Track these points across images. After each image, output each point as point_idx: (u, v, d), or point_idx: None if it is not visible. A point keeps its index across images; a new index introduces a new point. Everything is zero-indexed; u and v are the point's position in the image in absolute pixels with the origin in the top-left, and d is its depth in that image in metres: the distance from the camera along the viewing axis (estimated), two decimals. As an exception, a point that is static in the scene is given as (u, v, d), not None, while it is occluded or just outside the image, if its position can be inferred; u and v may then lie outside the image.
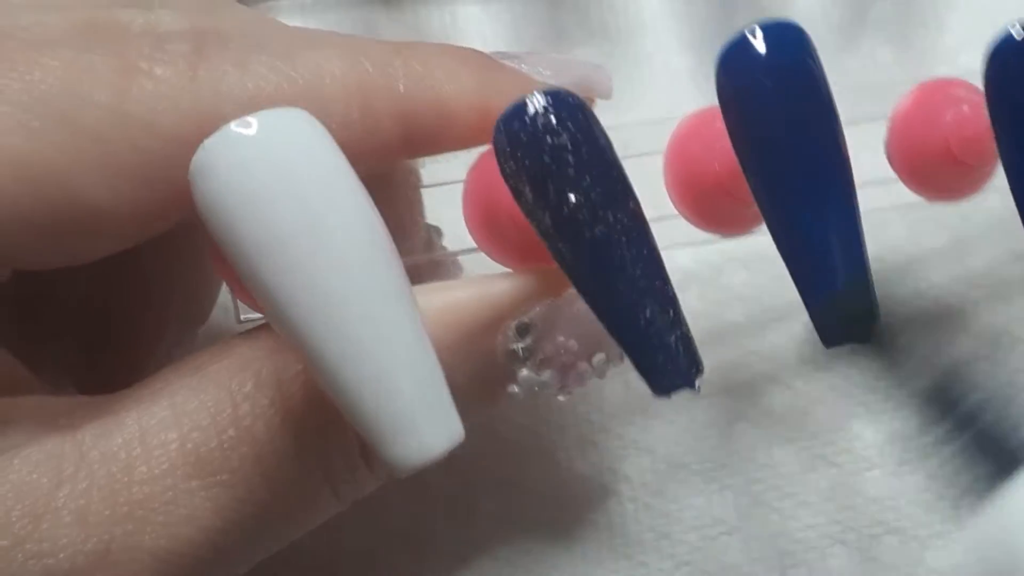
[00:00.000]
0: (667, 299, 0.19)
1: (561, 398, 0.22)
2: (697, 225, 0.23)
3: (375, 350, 0.17)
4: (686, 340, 0.19)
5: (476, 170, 0.21)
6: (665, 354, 0.19)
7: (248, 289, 0.18)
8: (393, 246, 0.18)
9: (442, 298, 0.20)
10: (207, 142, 0.17)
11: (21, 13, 0.20)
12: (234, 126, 0.17)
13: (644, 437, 0.27)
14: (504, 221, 0.21)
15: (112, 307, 0.25)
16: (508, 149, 0.19)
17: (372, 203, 0.18)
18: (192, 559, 0.19)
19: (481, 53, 0.23)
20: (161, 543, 0.19)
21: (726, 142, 0.20)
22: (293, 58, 0.20)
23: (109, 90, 0.19)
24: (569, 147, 0.18)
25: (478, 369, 0.21)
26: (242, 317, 0.24)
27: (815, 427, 0.28)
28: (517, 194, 0.19)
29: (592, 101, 0.23)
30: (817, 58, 0.20)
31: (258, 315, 0.23)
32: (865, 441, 0.28)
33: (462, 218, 0.22)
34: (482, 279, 0.21)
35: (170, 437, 0.19)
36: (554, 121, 0.18)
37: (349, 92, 0.21)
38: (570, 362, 0.21)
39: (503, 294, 0.21)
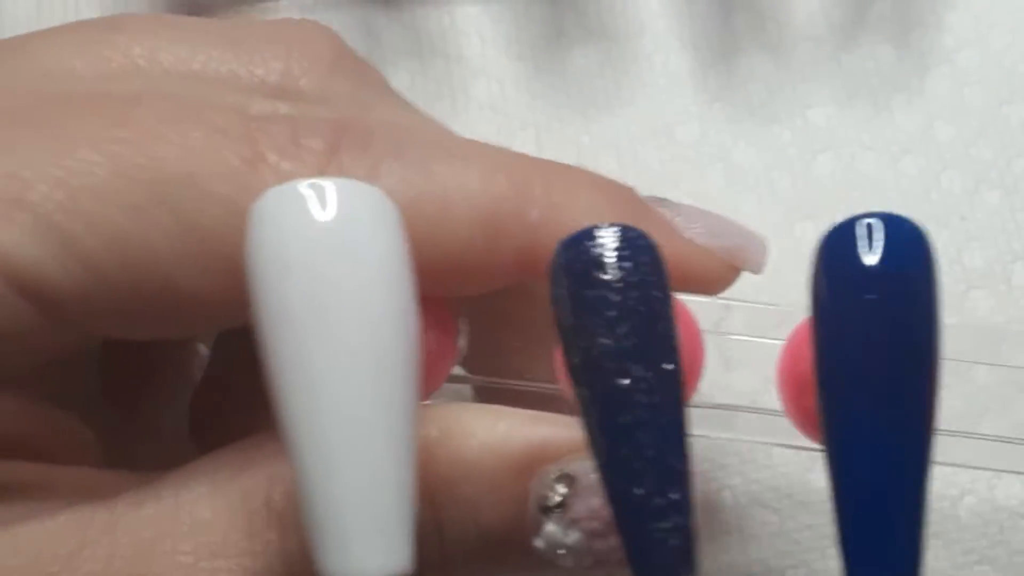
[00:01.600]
0: (675, 478, 0.17)
1: None
2: (800, 429, 0.21)
3: (339, 447, 0.16)
4: (684, 533, 0.17)
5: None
6: (652, 541, 0.17)
7: (258, 342, 0.17)
8: (413, 361, 0.17)
9: (491, 421, 0.19)
10: (274, 189, 0.17)
11: (167, 81, 0.20)
12: (306, 184, 0.17)
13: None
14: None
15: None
16: (560, 273, 0.18)
17: (413, 318, 0.17)
18: None
19: (633, 194, 0.21)
20: None
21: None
22: (429, 170, 0.19)
23: (230, 182, 0.18)
24: (618, 289, 0.17)
25: (506, 507, 0.19)
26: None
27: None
28: (557, 318, 0.18)
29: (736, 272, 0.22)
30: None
31: None
32: (865, 441, 0.28)
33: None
34: (535, 416, 0.20)
35: (203, 514, 0.18)
36: (612, 259, 0.17)
37: (479, 215, 0.19)
38: (599, 531, 0.18)
39: (553, 437, 0.19)
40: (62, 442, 0.20)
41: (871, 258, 0.17)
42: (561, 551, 0.19)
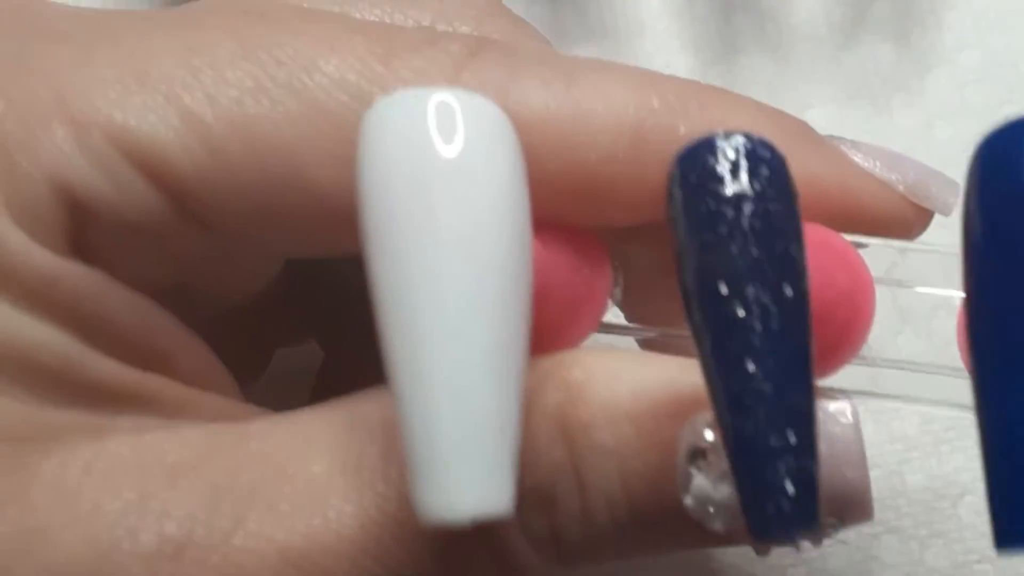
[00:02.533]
0: (793, 418, 0.15)
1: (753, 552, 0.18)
2: None
3: (442, 377, 0.15)
4: (804, 478, 0.15)
5: None
6: (766, 484, 0.15)
7: (364, 260, 0.16)
8: (525, 294, 0.16)
9: (637, 367, 0.18)
10: (396, 94, 0.16)
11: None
12: (425, 95, 0.16)
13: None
14: None
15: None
16: (676, 183, 0.16)
17: (527, 250, 0.16)
18: (314, 562, 0.17)
19: (804, 124, 0.20)
20: (295, 541, 0.17)
21: None
22: (572, 78, 0.18)
23: (358, 74, 0.18)
24: (735, 204, 0.15)
25: (651, 456, 0.17)
26: None
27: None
28: (672, 227, 0.16)
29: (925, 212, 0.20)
30: None
31: None
32: (865, 440, 0.28)
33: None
34: (682, 362, 0.18)
35: (337, 439, 0.18)
36: (733, 171, 0.15)
37: (620, 124, 0.18)
38: None
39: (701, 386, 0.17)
40: (203, 369, 0.20)
41: None
42: (711, 509, 0.17)
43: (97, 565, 0.17)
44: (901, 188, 0.20)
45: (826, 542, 0.18)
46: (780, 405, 0.15)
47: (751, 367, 0.15)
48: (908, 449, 0.28)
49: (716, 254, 0.15)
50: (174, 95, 0.18)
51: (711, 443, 0.17)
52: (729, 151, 0.15)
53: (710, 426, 0.17)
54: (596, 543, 0.18)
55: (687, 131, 0.18)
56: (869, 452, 0.28)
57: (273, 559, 0.17)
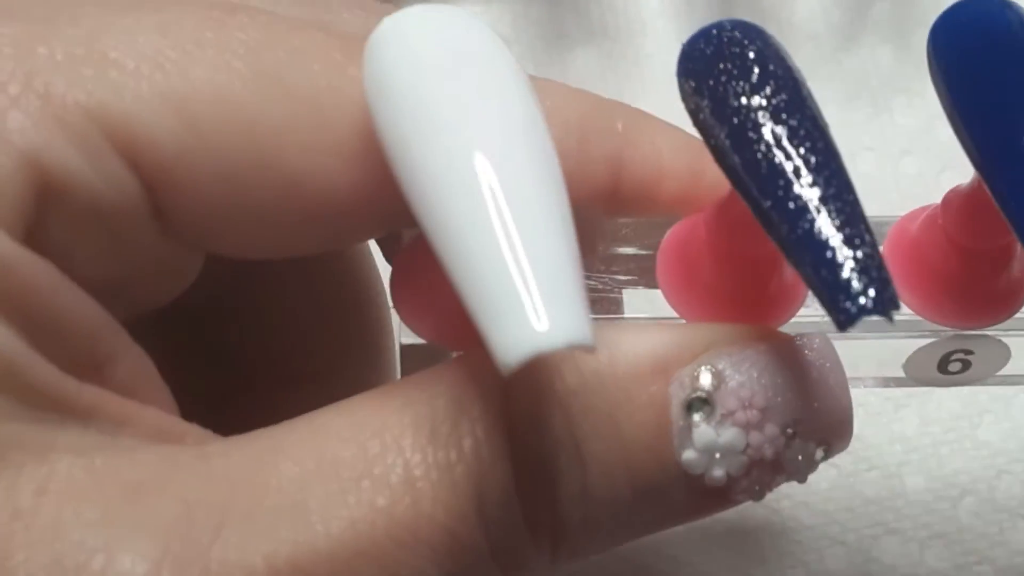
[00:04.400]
0: (855, 213, 0.16)
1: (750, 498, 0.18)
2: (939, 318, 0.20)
3: (498, 211, 0.15)
4: (879, 262, 0.16)
5: (678, 226, 0.20)
6: (852, 269, 0.15)
7: (397, 170, 0.16)
8: (552, 148, 0.17)
9: (612, 333, 0.18)
10: (388, 18, 0.17)
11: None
12: (417, 7, 0.17)
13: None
14: (705, 275, 0.19)
15: (258, 350, 0.23)
16: (691, 65, 0.17)
17: (540, 110, 0.17)
18: (306, 570, 0.16)
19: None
20: (282, 549, 0.16)
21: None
22: None
23: (328, 62, 0.18)
24: (752, 57, 0.17)
25: (645, 415, 0.17)
26: (403, 341, 0.21)
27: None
28: (695, 112, 0.17)
29: None
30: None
31: (419, 340, 0.21)
32: (864, 442, 0.28)
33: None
34: (661, 324, 0.19)
35: (288, 472, 0.17)
36: (740, 36, 0.17)
37: (568, 121, 0.19)
38: (756, 421, 0.17)
39: (684, 338, 0.18)
40: (142, 381, 0.18)
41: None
42: (716, 455, 0.17)
43: None
44: None
45: (813, 478, 0.19)
46: (845, 205, 0.16)
47: (815, 178, 0.16)
48: (907, 451, 0.28)
49: (751, 98, 0.17)
50: (150, 73, 0.17)
51: (709, 391, 0.17)
52: (728, 27, 0.17)
53: (702, 374, 0.17)
54: (595, 525, 0.18)
55: (624, 127, 0.19)
56: (869, 454, 0.28)
57: (260, 569, 0.16)
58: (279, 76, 0.17)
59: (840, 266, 0.15)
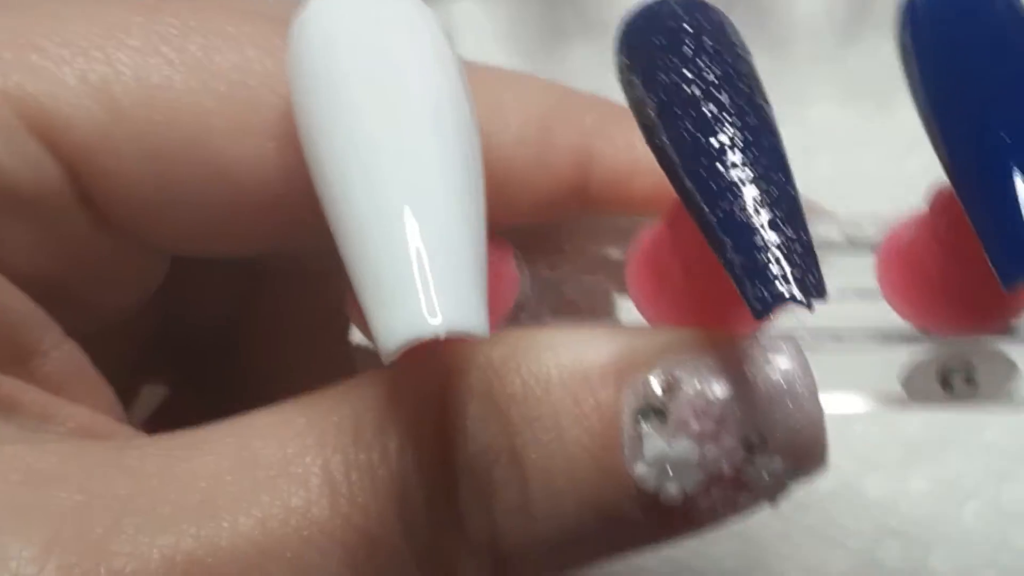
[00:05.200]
0: (784, 195, 0.15)
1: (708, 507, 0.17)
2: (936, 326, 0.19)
3: (394, 184, 0.15)
4: (804, 245, 0.15)
5: (648, 232, 0.19)
6: (771, 257, 0.15)
7: (305, 149, 0.16)
8: (474, 127, 0.16)
9: (561, 336, 0.17)
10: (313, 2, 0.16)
11: None
12: None
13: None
14: (673, 282, 0.18)
15: (227, 352, 0.23)
16: (625, 39, 0.17)
17: (467, 93, 0.16)
18: (207, 567, 0.16)
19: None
20: (183, 543, 0.16)
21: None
22: (478, 71, 0.18)
23: (260, 45, 0.18)
24: (688, 31, 0.16)
25: (594, 428, 0.16)
26: (354, 342, 0.21)
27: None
28: (628, 88, 0.17)
29: None
30: None
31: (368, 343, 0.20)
32: (867, 443, 0.28)
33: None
34: (616, 327, 0.18)
35: (204, 469, 0.16)
36: (679, 11, 0.17)
37: (530, 110, 0.19)
38: (710, 432, 0.16)
39: (639, 342, 0.17)
40: (73, 377, 0.18)
41: None
42: (667, 469, 0.16)
43: None
44: None
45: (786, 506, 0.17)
46: (773, 185, 0.15)
47: (743, 155, 0.15)
48: (911, 453, 0.28)
49: (682, 70, 0.16)
50: (73, 58, 0.17)
51: (661, 398, 0.16)
52: (659, 6, 0.17)
53: (659, 379, 0.16)
54: (538, 542, 0.16)
55: (593, 122, 0.19)
56: (873, 456, 0.28)
57: (155, 563, 0.15)
58: (208, 60, 0.17)
59: (758, 249, 0.15)
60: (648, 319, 0.19)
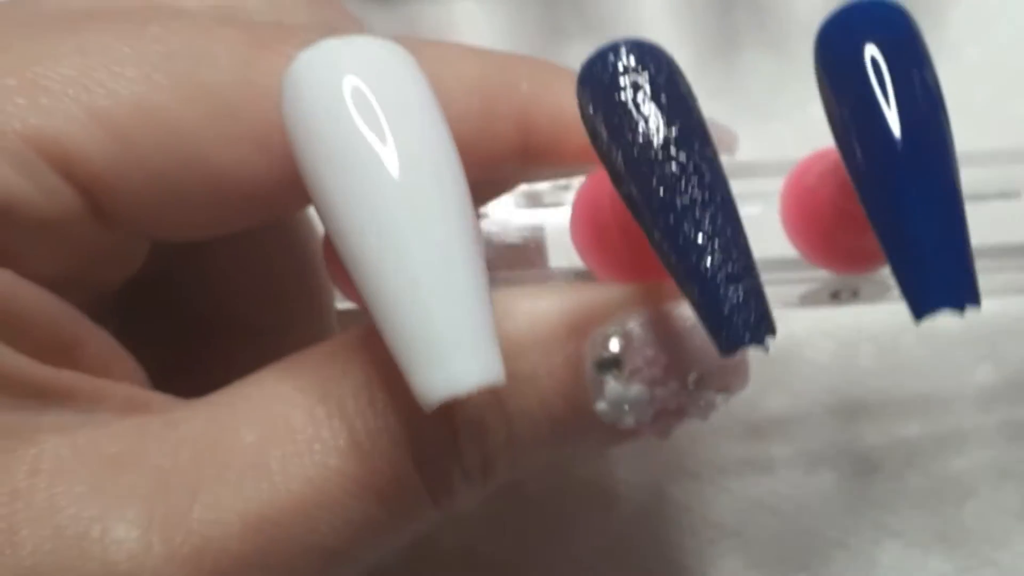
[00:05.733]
0: (738, 248, 0.18)
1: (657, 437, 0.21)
2: (824, 265, 0.22)
3: (411, 263, 0.17)
4: (758, 294, 0.18)
5: (586, 185, 0.21)
6: (732, 306, 0.17)
7: (316, 206, 0.18)
8: (466, 185, 0.18)
9: (532, 300, 0.20)
10: (303, 52, 0.18)
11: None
12: (334, 39, 0.18)
13: (642, 440, 0.27)
14: (612, 235, 0.20)
15: (212, 312, 0.25)
16: (588, 90, 0.19)
17: (452, 142, 0.18)
18: (275, 522, 0.19)
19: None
20: (251, 506, 0.19)
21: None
22: (418, 49, 0.20)
23: (237, 58, 0.20)
24: (648, 88, 0.18)
25: (563, 373, 0.20)
26: (338, 306, 0.24)
27: (814, 427, 0.28)
28: (594, 136, 0.19)
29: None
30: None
31: (352, 305, 0.23)
32: (867, 443, 0.28)
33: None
34: (576, 286, 0.21)
35: (263, 411, 0.19)
36: (634, 63, 0.18)
37: (471, 83, 0.21)
38: (660, 378, 0.20)
39: (596, 301, 0.20)
40: (110, 358, 0.21)
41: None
42: (624, 407, 0.20)
43: (70, 558, 0.18)
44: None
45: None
46: (729, 240, 0.18)
47: (702, 213, 0.18)
48: (910, 453, 0.28)
49: (643, 131, 0.18)
50: (78, 94, 0.19)
51: (618, 352, 0.20)
52: (624, 52, 0.19)
53: (611, 335, 0.20)
54: (519, 462, 0.20)
55: (528, 88, 0.21)
56: (872, 456, 0.28)
57: (236, 526, 0.18)
58: (193, 79, 0.19)
59: (721, 302, 0.17)
60: (592, 269, 0.22)
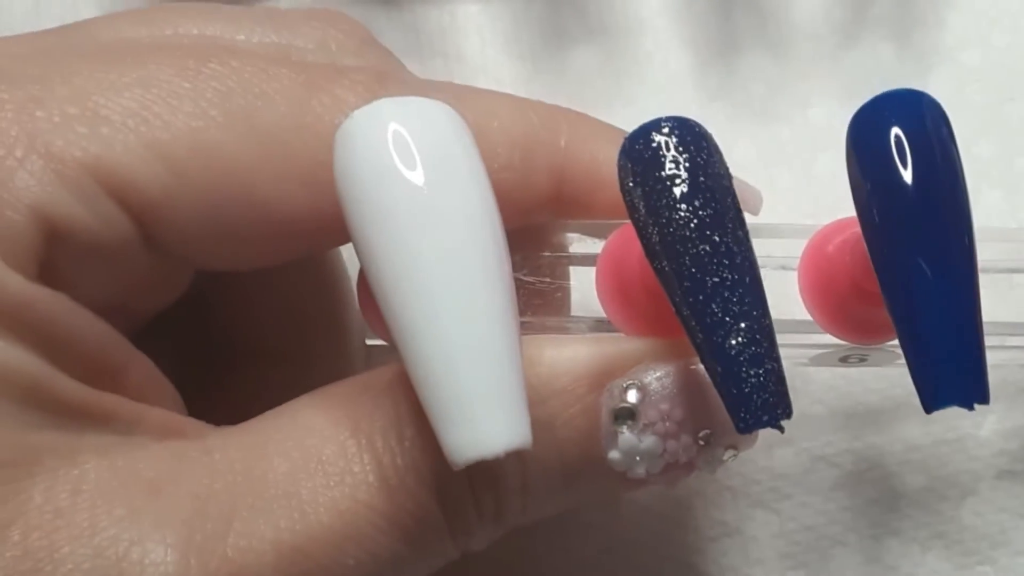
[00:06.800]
0: (762, 330, 0.18)
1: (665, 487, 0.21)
2: (836, 334, 0.22)
3: (449, 327, 0.18)
4: (778, 378, 0.18)
5: (613, 241, 0.22)
6: (752, 386, 0.18)
7: (361, 261, 0.18)
8: (505, 251, 0.19)
9: (556, 349, 0.20)
10: (357, 111, 0.18)
11: (219, 24, 0.22)
12: (386, 101, 0.18)
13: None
14: (636, 290, 0.21)
15: (239, 340, 0.25)
16: (629, 165, 0.19)
17: (496, 207, 0.19)
18: (306, 553, 0.19)
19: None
20: (284, 535, 0.19)
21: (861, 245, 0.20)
22: (464, 99, 0.21)
23: (291, 99, 0.20)
24: (686, 170, 0.19)
25: (580, 422, 0.20)
26: (368, 342, 0.25)
27: (814, 427, 0.28)
28: (632, 208, 0.19)
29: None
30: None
31: (382, 342, 0.24)
32: (865, 441, 0.28)
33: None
34: (599, 337, 0.21)
35: (296, 440, 0.20)
36: (676, 142, 0.19)
37: (514, 137, 0.22)
38: (672, 432, 0.20)
39: (617, 353, 0.20)
40: (150, 384, 0.21)
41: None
42: (636, 458, 0.20)
43: None
44: None
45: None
46: (753, 321, 0.18)
47: (730, 294, 0.18)
48: (908, 450, 0.28)
49: (680, 213, 0.19)
50: (137, 126, 0.19)
51: (634, 404, 0.20)
52: (667, 130, 0.19)
53: (628, 388, 0.20)
54: (531, 507, 0.21)
55: (567, 143, 0.22)
56: (870, 454, 0.28)
57: (270, 555, 0.19)
58: (249, 119, 0.20)
59: (743, 382, 0.18)
60: (613, 321, 0.22)
